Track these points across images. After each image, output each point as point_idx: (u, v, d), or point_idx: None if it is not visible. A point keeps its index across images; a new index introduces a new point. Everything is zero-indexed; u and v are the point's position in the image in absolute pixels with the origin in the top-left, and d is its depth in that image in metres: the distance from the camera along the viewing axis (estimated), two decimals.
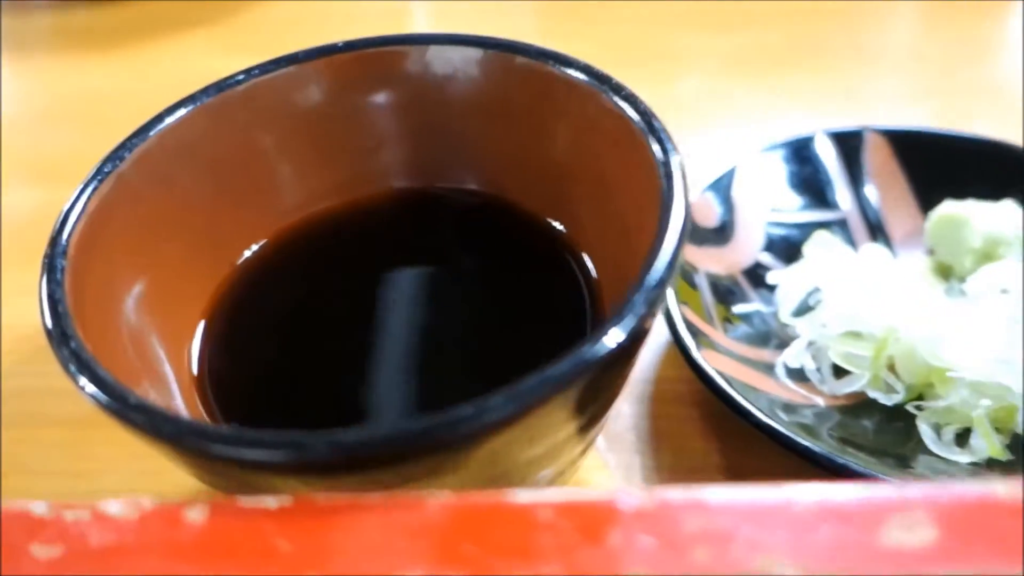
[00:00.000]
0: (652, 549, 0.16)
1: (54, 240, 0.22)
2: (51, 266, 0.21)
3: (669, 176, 0.20)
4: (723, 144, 0.41)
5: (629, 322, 0.17)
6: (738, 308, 0.31)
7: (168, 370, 0.23)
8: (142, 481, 0.29)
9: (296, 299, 0.27)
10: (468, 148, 0.27)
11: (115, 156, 0.24)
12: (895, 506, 0.16)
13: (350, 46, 0.26)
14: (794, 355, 0.30)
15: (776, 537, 0.16)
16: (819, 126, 0.36)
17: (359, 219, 0.28)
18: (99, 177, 0.23)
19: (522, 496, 0.16)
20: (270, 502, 0.16)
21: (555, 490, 0.21)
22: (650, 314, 0.18)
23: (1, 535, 0.16)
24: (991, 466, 0.27)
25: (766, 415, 0.26)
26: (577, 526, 0.16)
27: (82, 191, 0.23)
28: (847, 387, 0.29)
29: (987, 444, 0.27)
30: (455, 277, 0.27)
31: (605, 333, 0.17)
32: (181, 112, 0.25)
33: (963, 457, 0.27)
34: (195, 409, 0.23)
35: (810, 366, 0.30)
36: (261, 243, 0.27)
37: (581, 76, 0.24)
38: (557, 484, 0.22)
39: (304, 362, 0.25)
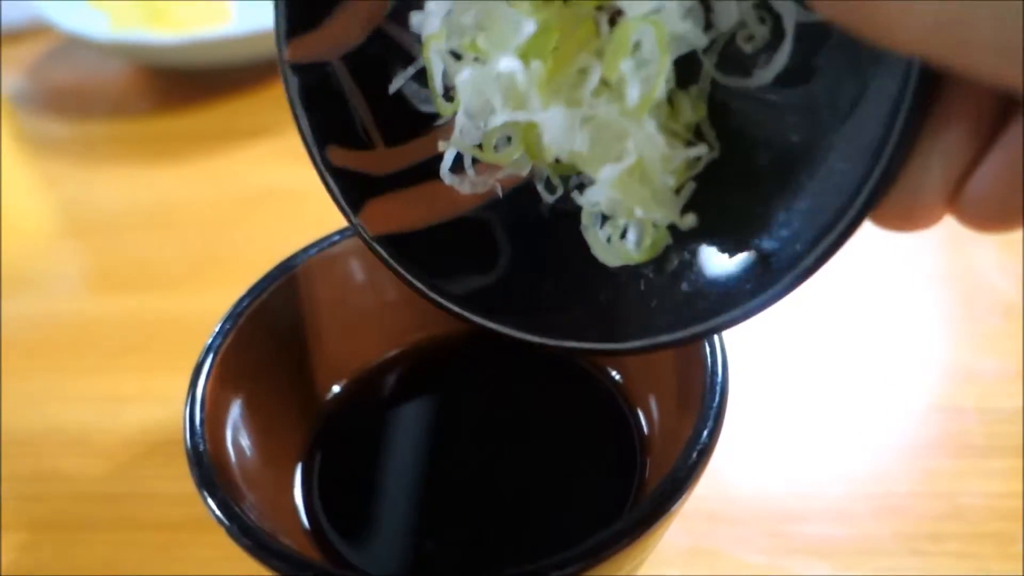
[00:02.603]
0: None
1: (192, 399, 0.25)
2: (191, 420, 0.25)
3: (713, 353, 0.24)
4: None
5: (674, 498, 0.21)
6: None
7: (278, 499, 0.27)
8: None
9: (376, 435, 0.31)
10: None
11: (231, 316, 0.28)
12: None
13: None
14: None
15: None
16: None
17: (429, 359, 0.32)
18: (221, 336, 0.27)
19: None
20: None
21: None
22: (691, 485, 0.22)
23: None
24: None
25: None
26: None
27: (207, 352, 0.27)
28: None
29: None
30: (522, 419, 0.30)
31: (651, 507, 0.21)
32: (279, 276, 0.29)
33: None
34: (302, 539, 0.27)
35: None
36: (344, 383, 0.31)
37: None
38: None
39: (386, 499, 0.29)
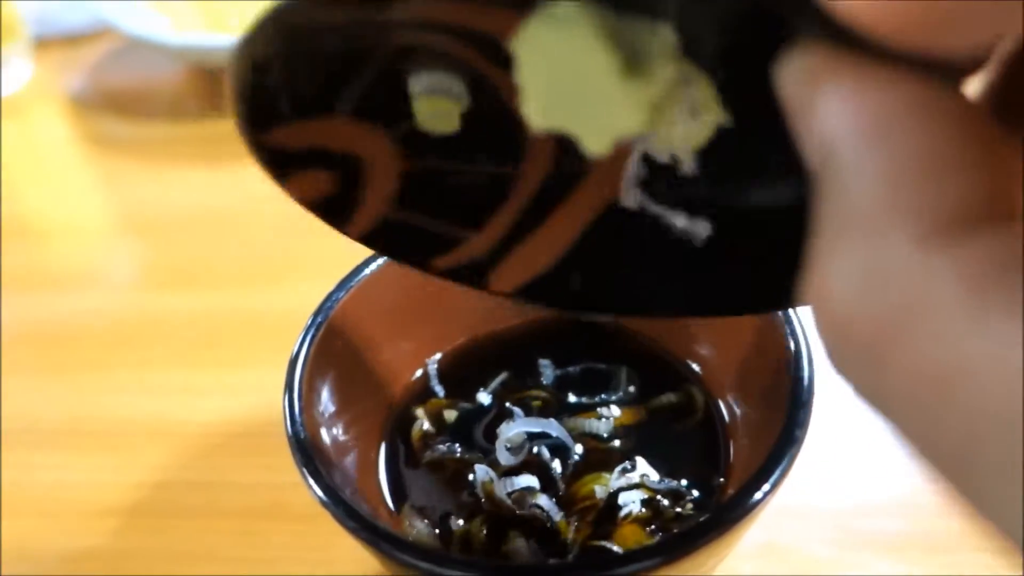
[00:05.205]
0: None
1: (289, 388, 0.26)
2: (291, 408, 0.26)
3: (797, 345, 0.25)
4: None
5: (753, 503, 0.22)
6: None
7: (364, 481, 0.29)
8: (318, 568, 0.34)
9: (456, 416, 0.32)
10: None
11: (322, 309, 0.29)
12: None
13: None
14: None
15: None
16: None
17: (514, 341, 0.33)
18: (314, 328, 0.28)
19: None
20: None
21: None
22: (775, 488, 0.22)
23: None
24: None
25: None
26: None
27: (302, 343, 0.28)
28: None
29: None
30: (601, 407, 0.31)
31: (733, 512, 0.22)
32: (367, 268, 0.30)
33: None
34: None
35: None
36: (427, 368, 0.32)
37: None
38: None
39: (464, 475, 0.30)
